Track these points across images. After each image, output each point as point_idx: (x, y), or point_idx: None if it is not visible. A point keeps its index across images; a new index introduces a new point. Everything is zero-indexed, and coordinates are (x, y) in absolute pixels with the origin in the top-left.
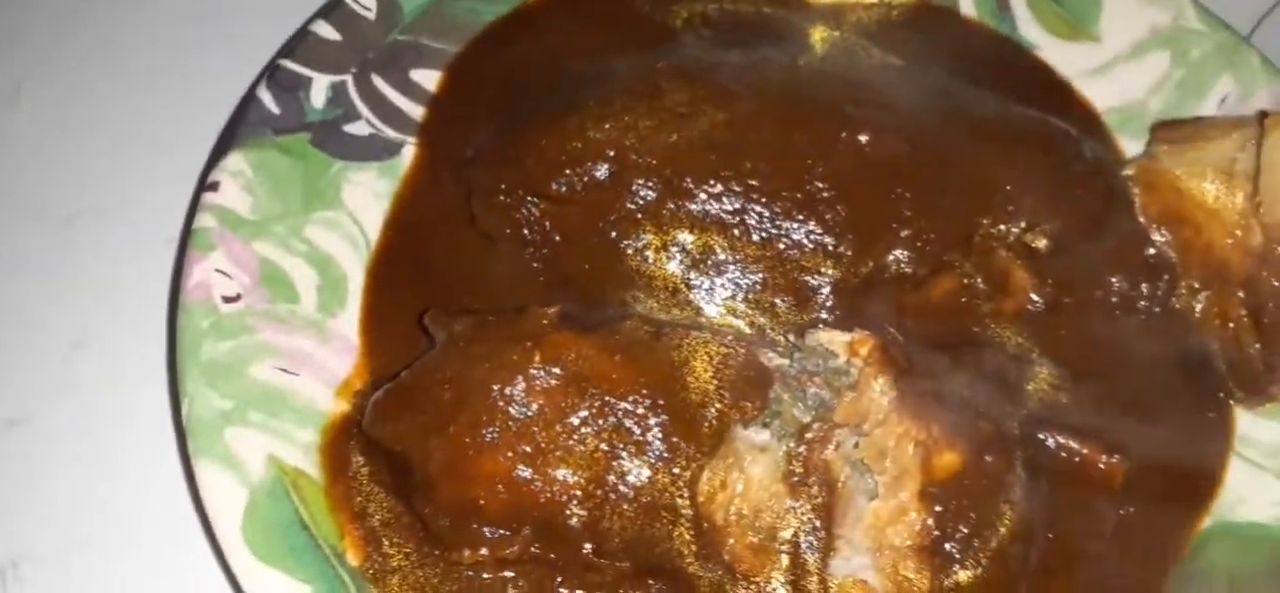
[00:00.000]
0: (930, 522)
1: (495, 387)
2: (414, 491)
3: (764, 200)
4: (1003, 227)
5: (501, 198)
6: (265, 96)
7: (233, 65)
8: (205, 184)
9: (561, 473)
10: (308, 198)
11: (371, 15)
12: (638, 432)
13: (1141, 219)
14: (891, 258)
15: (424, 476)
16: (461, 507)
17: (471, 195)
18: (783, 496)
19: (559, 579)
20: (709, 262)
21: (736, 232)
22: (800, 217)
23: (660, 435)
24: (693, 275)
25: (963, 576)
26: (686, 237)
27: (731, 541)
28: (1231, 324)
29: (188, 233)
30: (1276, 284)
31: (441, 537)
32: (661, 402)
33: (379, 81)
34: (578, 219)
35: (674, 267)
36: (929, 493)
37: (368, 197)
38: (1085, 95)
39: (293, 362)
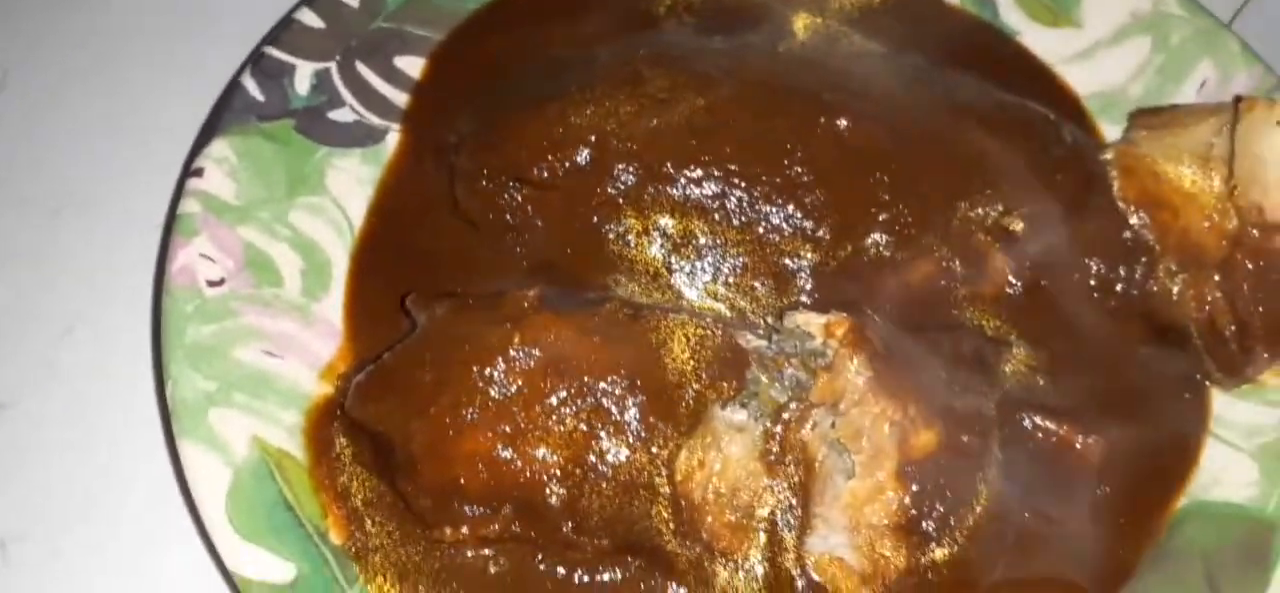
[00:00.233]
0: (907, 501)
1: (475, 368)
2: (396, 470)
3: (744, 185)
4: (981, 210)
5: (484, 183)
6: (250, 84)
7: (219, 53)
8: (190, 170)
9: (541, 453)
10: (292, 183)
11: (355, 3)
12: (616, 412)
13: (1119, 203)
14: (870, 241)
15: (406, 456)
16: (443, 486)
17: (454, 181)
18: (760, 474)
19: (539, 557)
20: (689, 246)
21: (716, 216)
22: (780, 201)
23: (638, 416)
24: (673, 259)
25: (939, 554)
26: (667, 221)
27: (709, 519)
28: (1207, 307)
29: (173, 218)
30: (1251, 267)
31: (423, 516)
32: (639, 382)
33: (363, 68)
34: (559, 204)
35: (655, 251)
36: (905, 472)
37: (351, 182)
38: (1066, 81)
39: (277, 345)
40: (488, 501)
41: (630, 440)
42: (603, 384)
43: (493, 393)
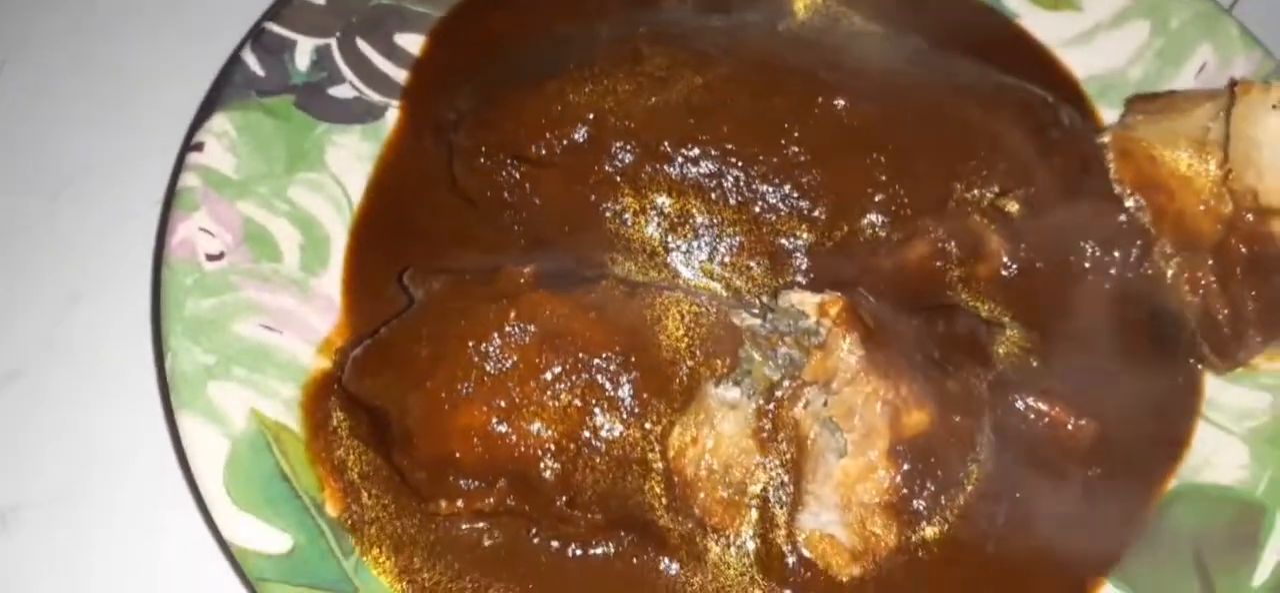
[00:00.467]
0: (898, 479)
1: (471, 343)
2: (392, 444)
3: (741, 164)
4: (977, 192)
5: (482, 160)
6: (250, 59)
7: (219, 30)
8: (190, 145)
9: (536, 427)
10: (291, 159)
11: None
12: (610, 388)
13: (1115, 186)
14: (866, 222)
15: (402, 429)
16: (438, 460)
17: (453, 158)
18: (752, 451)
19: (533, 531)
20: (686, 224)
21: (713, 195)
22: (776, 180)
23: (632, 392)
24: (670, 238)
25: (930, 532)
26: (664, 200)
27: (702, 494)
28: (1201, 290)
29: (172, 193)
30: (1245, 251)
31: (419, 489)
32: (634, 359)
33: (363, 45)
34: (557, 182)
35: (652, 229)
36: (897, 451)
37: (351, 159)
38: (1066, 64)
39: (275, 319)
40: (483, 474)
41: (624, 416)
42: (597, 360)
43: (488, 368)
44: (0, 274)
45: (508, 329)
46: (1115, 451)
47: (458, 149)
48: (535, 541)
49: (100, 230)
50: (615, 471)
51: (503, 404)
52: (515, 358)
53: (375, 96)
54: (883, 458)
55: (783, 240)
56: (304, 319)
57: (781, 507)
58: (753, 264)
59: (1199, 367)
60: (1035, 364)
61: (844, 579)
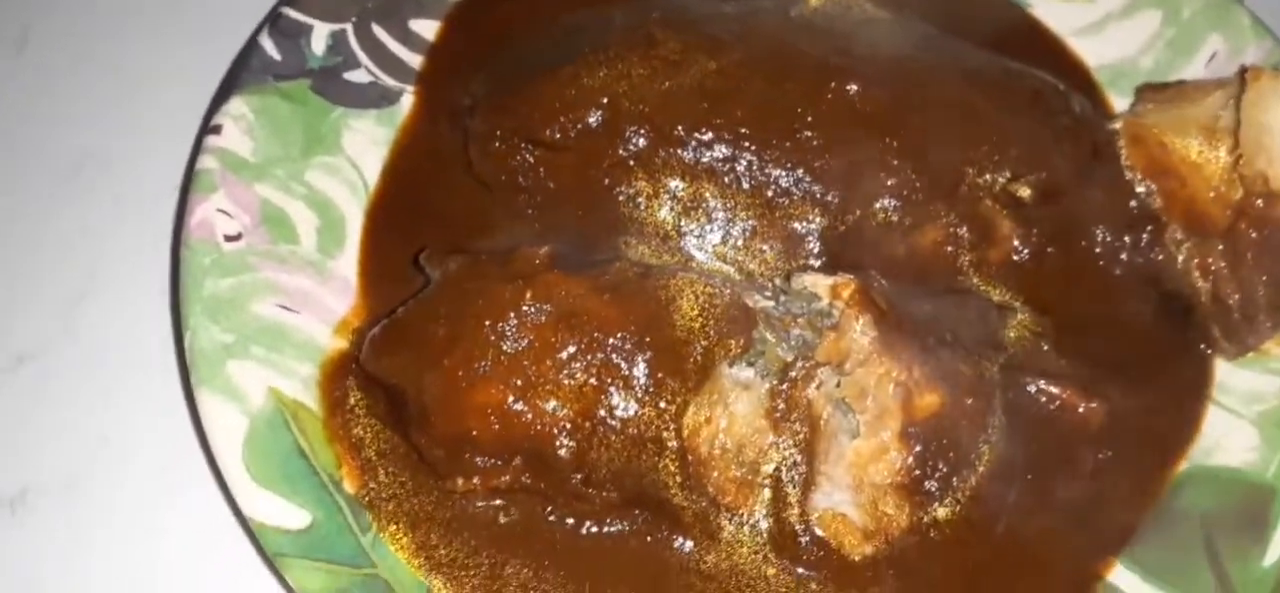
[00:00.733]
0: (910, 461)
1: (488, 322)
2: (409, 422)
3: (754, 148)
4: (989, 177)
5: (497, 145)
6: (267, 43)
7: (237, 13)
8: (208, 127)
9: (551, 406)
10: (308, 143)
11: None
12: (625, 367)
13: (1126, 172)
14: (879, 206)
15: (419, 407)
16: (455, 438)
17: (468, 142)
18: (766, 431)
19: (548, 508)
20: (699, 208)
21: (726, 179)
22: (789, 165)
23: (647, 371)
24: (683, 222)
25: (941, 513)
26: (677, 184)
27: (715, 473)
28: (1211, 275)
29: (191, 174)
30: (1255, 236)
31: (435, 467)
32: (649, 338)
33: (378, 30)
34: (571, 166)
35: (665, 213)
36: (909, 433)
37: (366, 143)
38: (1077, 52)
39: (293, 300)
40: (499, 452)
41: (639, 395)
42: (612, 340)
43: (505, 347)
44: (12, 258)
45: (524, 309)
46: (1125, 433)
47: (473, 133)
48: (550, 518)
49: (113, 215)
50: (630, 449)
51: (519, 383)
52: (531, 337)
53: (391, 81)
54: (895, 439)
55: (795, 224)
56: (321, 300)
57: (794, 486)
58: (765, 248)
59: (1209, 351)
60: (1046, 348)
61: (856, 559)
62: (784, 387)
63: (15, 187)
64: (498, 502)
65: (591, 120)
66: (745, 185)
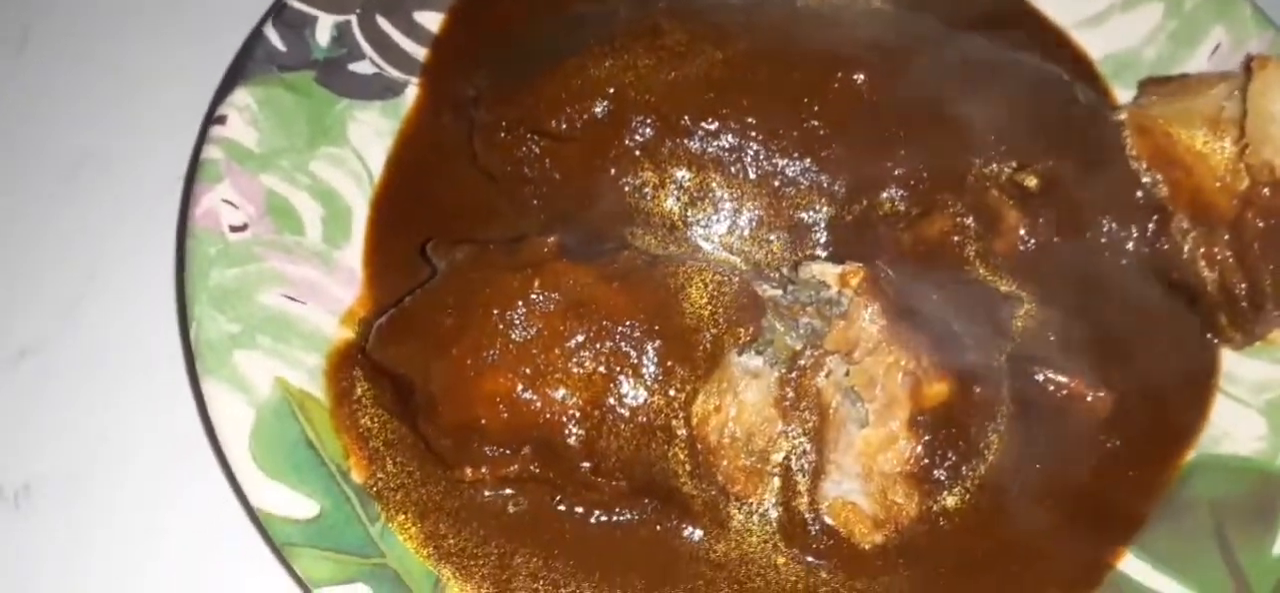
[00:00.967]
0: (919, 450)
1: (496, 311)
2: (417, 412)
3: (760, 138)
4: (995, 167)
5: (502, 135)
6: (271, 34)
7: (237, 12)
8: (213, 117)
9: (560, 394)
10: (313, 134)
11: None
12: (634, 355)
13: (1132, 162)
14: (885, 196)
15: (427, 397)
16: (463, 427)
17: (473, 133)
18: (775, 420)
19: (557, 497)
20: (706, 199)
21: (733, 169)
22: (796, 155)
23: (656, 359)
24: (689, 212)
25: (950, 502)
26: (684, 174)
27: (725, 462)
28: (1218, 265)
29: (196, 165)
30: (1262, 225)
31: (444, 456)
32: (658, 327)
33: (383, 22)
34: (577, 156)
35: (671, 203)
36: (918, 422)
37: (371, 134)
38: (1080, 44)
39: (298, 290)
40: (507, 441)
41: (648, 384)
42: (621, 328)
43: (513, 336)
44: (14, 254)
45: (532, 297)
46: (1133, 422)
47: (478, 124)
48: (559, 507)
49: (114, 212)
50: (639, 437)
51: (527, 371)
52: (539, 326)
53: (395, 73)
54: (904, 428)
55: (802, 214)
56: (327, 290)
57: (804, 475)
58: (772, 238)
59: (1216, 341)
60: (1053, 337)
61: (866, 547)
62: (793, 375)
63: (17, 184)
64: (506, 491)
65: (597, 111)
66: (751, 175)
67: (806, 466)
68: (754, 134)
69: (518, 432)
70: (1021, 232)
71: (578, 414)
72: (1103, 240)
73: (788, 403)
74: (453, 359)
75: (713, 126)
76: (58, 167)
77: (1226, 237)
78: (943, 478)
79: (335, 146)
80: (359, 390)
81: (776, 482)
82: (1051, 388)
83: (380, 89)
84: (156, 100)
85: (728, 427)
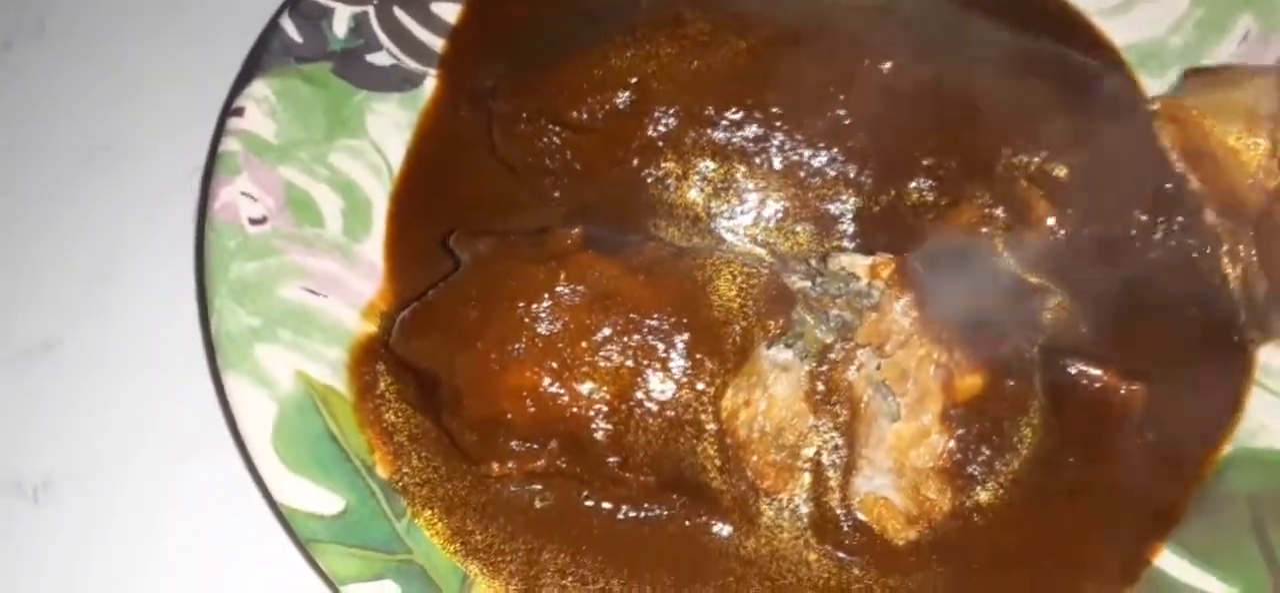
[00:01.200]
0: (952, 444)
1: (521, 303)
2: (442, 405)
3: (786, 128)
4: (1024, 157)
5: (523, 126)
6: (288, 25)
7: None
8: (230, 109)
9: (587, 388)
10: (331, 126)
11: None
12: (662, 348)
13: (1164, 154)
14: (913, 187)
15: (452, 390)
16: (489, 421)
17: (493, 124)
18: (806, 414)
19: (584, 493)
20: (730, 190)
21: (758, 160)
22: (822, 145)
23: (685, 352)
24: (714, 204)
25: (984, 497)
26: (708, 165)
27: (755, 457)
28: (1241, 262)
29: (214, 157)
30: None
31: (469, 451)
32: (686, 319)
33: (400, 13)
34: (599, 147)
35: (695, 195)
36: (951, 416)
37: (389, 126)
38: (1105, 32)
39: (319, 283)
40: (534, 435)
41: (676, 377)
42: (649, 321)
43: (539, 328)
44: (32, 245)
45: (558, 290)
46: (1167, 415)
47: (498, 115)
48: (587, 503)
49: (132, 202)
50: (667, 432)
51: (554, 365)
52: (566, 318)
53: (413, 65)
54: (936, 422)
55: (828, 205)
56: (348, 283)
57: (835, 470)
58: (798, 229)
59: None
60: (1084, 330)
61: (899, 543)
62: (823, 369)
63: (34, 174)
64: (533, 486)
65: (619, 101)
66: (776, 166)
67: (838, 460)
68: (779, 124)
69: (544, 426)
70: (1051, 222)
71: (605, 408)
72: (1132, 232)
73: (818, 397)
74: (478, 353)
75: (737, 117)
76: (73, 159)
77: (1251, 233)
78: (976, 473)
79: (353, 138)
80: (382, 385)
81: (807, 477)
82: (1084, 381)
83: (398, 80)
84: (172, 92)
85: (758, 421)
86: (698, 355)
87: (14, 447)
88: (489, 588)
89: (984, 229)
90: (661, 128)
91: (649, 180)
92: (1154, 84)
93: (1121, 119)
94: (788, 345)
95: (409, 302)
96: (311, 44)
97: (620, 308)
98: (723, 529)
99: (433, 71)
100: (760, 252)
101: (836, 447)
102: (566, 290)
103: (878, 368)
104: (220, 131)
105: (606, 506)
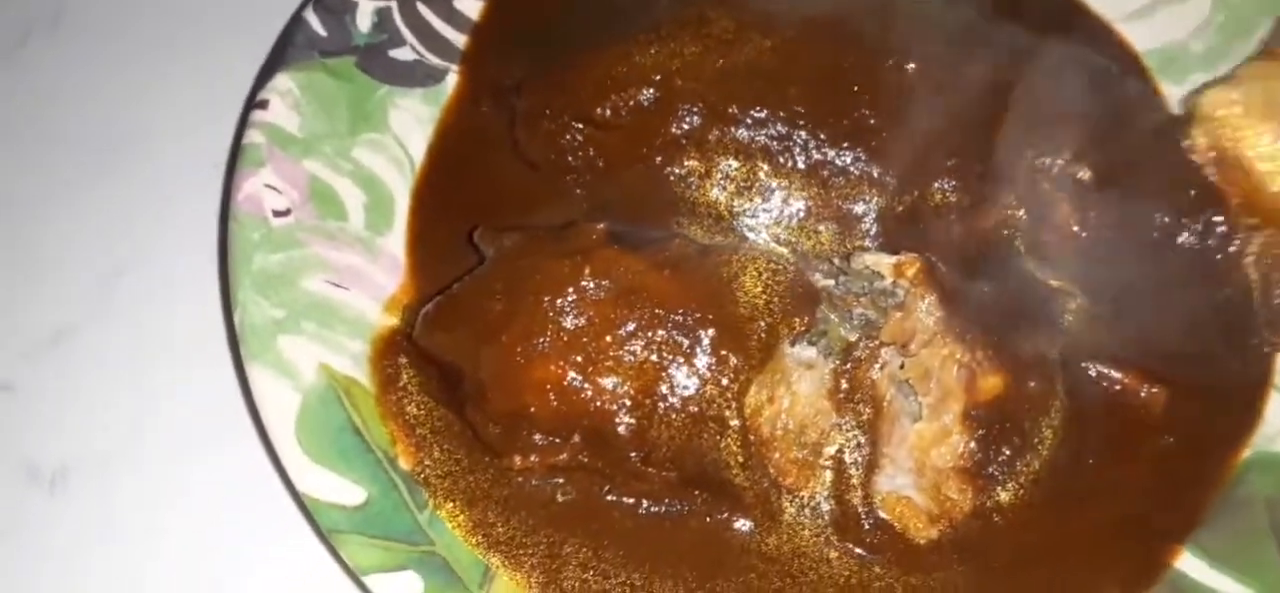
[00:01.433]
0: (973, 445)
1: (546, 298)
2: (465, 399)
3: (809, 127)
4: (1047, 159)
5: (546, 123)
6: (312, 19)
7: None
8: (254, 102)
9: (611, 382)
10: (354, 120)
11: None
12: (686, 344)
13: (1188, 156)
14: (936, 187)
15: (475, 384)
16: (512, 414)
17: (516, 121)
18: (829, 412)
19: (607, 488)
20: (753, 188)
21: (781, 158)
22: (845, 144)
23: (709, 349)
24: (737, 202)
25: (1005, 497)
26: (731, 163)
27: (777, 454)
28: (1263, 266)
29: (237, 149)
30: None
31: (492, 444)
32: (711, 315)
33: (423, 8)
34: (622, 145)
35: (718, 193)
36: (972, 416)
37: (412, 121)
38: (1126, 37)
39: (342, 276)
40: (557, 429)
41: (700, 373)
42: (674, 316)
43: (564, 323)
44: (50, 234)
45: (583, 284)
46: (1187, 418)
47: (521, 112)
48: (609, 497)
49: (152, 192)
50: (690, 428)
51: (578, 359)
52: (590, 313)
53: (435, 60)
54: (958, 422)
55: (851, 205)
56: (370, 277)
57: (857, 468)
58: (821, 228)
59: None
60: (1105, 332)
61: (920, 542)
62: (847, 367)
63: (54, 167)
64: (556, 480)
65: (643, 98)
66: (800, 165)
67: (860, 459)
68: (802, 123)
69: (567, 420)
70: (1073, 225)
71: (629, 403)
72: (1155, 234)
73: (842, 395)
74: (502, 346)
75: (761, 115)
76: (92, 151)
77: (1275, 237)
78: (997, 473)
79: (377, 133)
80: (404, 377)
81: (829, 475)
82: (1104, 383)
83: (421, 76)
84: (194, 83)
85: (781, 418)
86: (722, 352)
87: (32, 437)
88: (511, 581)
89: (1006, 231)
90: (685, 126)
91: (672, 178)
92: (1173, 89)
93: (1145, 121)
94: (812, 343)
95: (430, 296)
96: (335, 38)
97: (645, 303)
98: (744, 526)
99: (455, 67)
100: (782, 251)
101: (859, 445)
102: (591, 285)
103: (901, 367)
104: (244, 124)
105: (628, 501)
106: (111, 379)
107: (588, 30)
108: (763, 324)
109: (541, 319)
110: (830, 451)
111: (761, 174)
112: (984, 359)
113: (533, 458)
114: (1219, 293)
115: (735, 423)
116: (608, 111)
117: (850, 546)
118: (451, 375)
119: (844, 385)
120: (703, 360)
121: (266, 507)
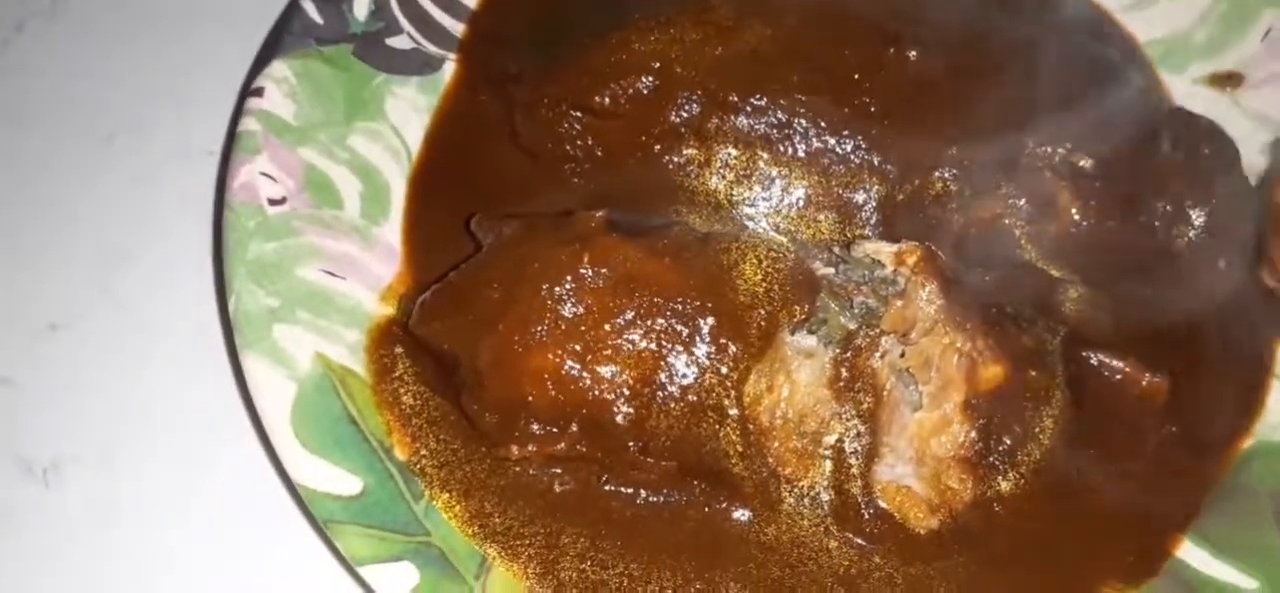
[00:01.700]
0: (974, 434)
1: (545, 286)
2: (462, 388)
3: (809, 115)
4: (1048, 148)
5: (544, 111)
6: (309, 7)
7: None
8: (250, 90)
9: (609, 371)
10: (350, 108)
11: None
12: (686, 333)
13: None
14: (937, 176)
15: (472, 372)
16: (510, 403)
17: (514, 109)
18: (828, 401)
19: (604, 477)
20: (753, 176)
21: (781, 147)
22: (846, 132)
23: (708, 337)
24: (736, 190)
25: (1005, 487)
26: (730, 151)
27: (777, 443)
28: (1266, 257)
29: (233, 137)
30: None
31: (489, 434)
32: (710, 303)
33: None
34: (621, 133)
35: (717, 181)
36: (973, 405)
37: (409, 110)
38: (1127, 27)
39: (338, 265)
40: (554, 418)
41: (699, 362)
42: (673, 304)
43: (562, 311)
44: (45, 223)
45: (582, 272)
46: (1190, 408)
47: (520, 100)
48: (606, 487)
49: (148, 182)
50: (689, 417)
51: (576, 347)
52: (589, 301)
53: (432, 49)
54: (958, 411)
55: (851, 193)
56: (366, 266)
57: (857, 457)
58: (820, 217)
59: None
60: (1106, 322)
61: (920, 531)
62: (847, 355)
63: (49, 156)
64: (553, 470)
65: (643, 86)
66: (800, 153)
67: (860, 448)
68: (803, 111)
69: (565, 409)
70: (1074, 214)
71: (627, 392)
72: (1156, 224)
73: (841, 383)
74: (500, 334)
75: (761, 103)
76: (88, 140)
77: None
78: (997, 462)
79: (373, 121)
80: (400, 367)
81: (829, 464)
82: (1105, 373)
83: (418, 64)
84: (190, 71)
85: (780, 407)
86: (721, 340)
87: (25, 428)
88: (507, 571)
89: (1007, 220)
90: (684, 114)
91: (671, 166)
92: (1174, 80)
93: (1146, 111)
94: (812, 331)
95: (426, 285)
96: (332, 26)
97: (644, 291)
98: (743, 515)
99: (452, 55)
100: (782, 239)
101: (859, 434)
102: (590, 273)
103: (901, 355)
104: (239, 111)
105: (627, 490)
106: (105, 371)
107: (586, 18)
108: (762, 312)
109: (539, 307)
110: (830, 440)
111: (761, 162)
112: (985, 348)
113: (530, 447)
114: (1219, 281)
115: (734, 412)
116: (607, 100)
117: (850, 535)
118: (448, 364)
119: (844, 374)
120: (702, 349)
121: (262, 497)
